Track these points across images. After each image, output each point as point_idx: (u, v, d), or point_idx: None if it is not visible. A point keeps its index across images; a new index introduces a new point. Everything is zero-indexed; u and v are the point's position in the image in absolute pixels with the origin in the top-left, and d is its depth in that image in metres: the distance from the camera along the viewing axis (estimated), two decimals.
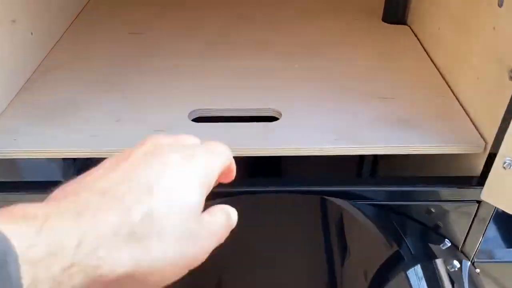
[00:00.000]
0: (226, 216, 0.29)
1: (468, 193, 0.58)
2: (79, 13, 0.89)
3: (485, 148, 0.56)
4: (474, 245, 0.62)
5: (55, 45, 0.78)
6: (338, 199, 0.57)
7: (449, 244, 0.59)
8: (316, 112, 0.62)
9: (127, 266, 0.24)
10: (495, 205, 0.56)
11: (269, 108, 0.62)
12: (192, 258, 0.27)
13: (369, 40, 0.81)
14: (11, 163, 0.64)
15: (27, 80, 0.68)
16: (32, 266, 0.21)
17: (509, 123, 0.50)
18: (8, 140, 0.56)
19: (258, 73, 0.71)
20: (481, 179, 0.56)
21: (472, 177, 0.59)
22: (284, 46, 0.79)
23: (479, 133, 0.58)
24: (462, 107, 0.63)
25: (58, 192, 0.26)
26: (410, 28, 0.86)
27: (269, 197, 0.56)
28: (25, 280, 0.20)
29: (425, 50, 0.78)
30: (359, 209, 0.59)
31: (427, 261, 0.59)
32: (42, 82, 0.68)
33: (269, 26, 0.86)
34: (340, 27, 0.86)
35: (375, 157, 0.79)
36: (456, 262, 0.56)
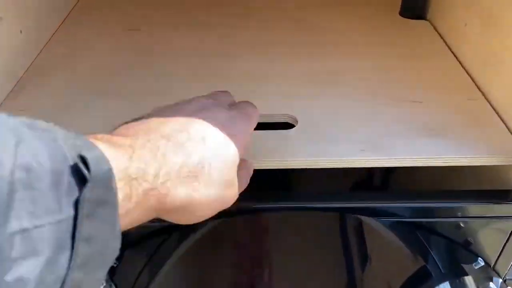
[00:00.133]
0: (249, 172, 0.39)
1: (504, 208, 0.53)
2: (72, 9, 0.83)
3: None
4: (507, 263, 0.57)
5: (46, 43, 0.72)
6: (362, 216, 0.52)
7: (482, 264, 0.54)
8: (335, 118, 0.56)
9: (183, 199, 0.30)
10: None
11: (285, 114, 0.57)
12: (226, 201, 0.34)
13: (387, 37, 0.75)
14: None
15: (17, 83, 0.62)
16: (126, 183, 0.26)
17: None
18: None
19: (267, 74, 0.65)
20: None
21: (508, 191, 0.53)
22: (296, 45, 0.72)
23: None
24: (496, 112, 0.57)
25: (123, 129, 0.32)
26: (430, 23, 0.79)
27: (293, 215, 0.51)
28: (121, 193, 0.25)
29: (448, 47, 0.72)
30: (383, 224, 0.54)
31: (457, 278, 0.54)
32: (33, 85, 0.62)
33: (278, 24, 0.79)
34: (355, 22, 0.80)
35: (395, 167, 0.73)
36: (492, 285, 0.51)
